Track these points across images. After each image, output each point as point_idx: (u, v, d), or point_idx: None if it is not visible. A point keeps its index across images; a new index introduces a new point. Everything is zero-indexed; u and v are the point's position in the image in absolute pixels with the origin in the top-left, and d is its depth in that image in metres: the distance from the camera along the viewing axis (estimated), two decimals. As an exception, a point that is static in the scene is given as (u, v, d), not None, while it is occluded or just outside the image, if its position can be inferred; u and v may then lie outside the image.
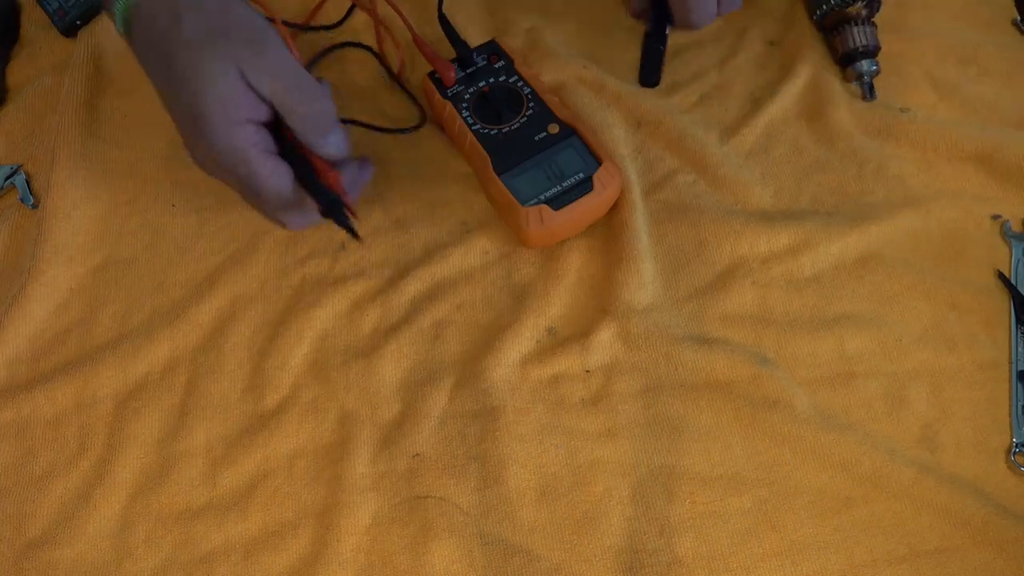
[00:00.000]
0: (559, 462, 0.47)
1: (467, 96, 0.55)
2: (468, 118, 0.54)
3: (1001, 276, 0.51)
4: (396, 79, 0.59)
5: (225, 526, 0.46)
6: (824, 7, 0.57)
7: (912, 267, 0.51)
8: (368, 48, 0.61)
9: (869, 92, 0.57)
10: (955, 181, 0.54)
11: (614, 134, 0.55)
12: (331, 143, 0.47)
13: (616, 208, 0.52)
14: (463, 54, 0.56)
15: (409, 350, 0.50)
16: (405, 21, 0.58)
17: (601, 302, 0.51)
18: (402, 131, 0.56)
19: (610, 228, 0.52)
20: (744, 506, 0.45)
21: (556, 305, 0.51)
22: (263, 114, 0.46)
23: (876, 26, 0.57)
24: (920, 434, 0.46)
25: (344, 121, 0.54)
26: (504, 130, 0.53)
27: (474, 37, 0.59)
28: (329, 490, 0.46)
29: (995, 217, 0.53)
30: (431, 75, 0.56)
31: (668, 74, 0.59)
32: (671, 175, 0.55)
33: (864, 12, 0.57)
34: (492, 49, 0.57)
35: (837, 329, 0.49)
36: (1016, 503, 0.44)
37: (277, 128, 0.47)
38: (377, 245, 0.53)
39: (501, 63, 0.56)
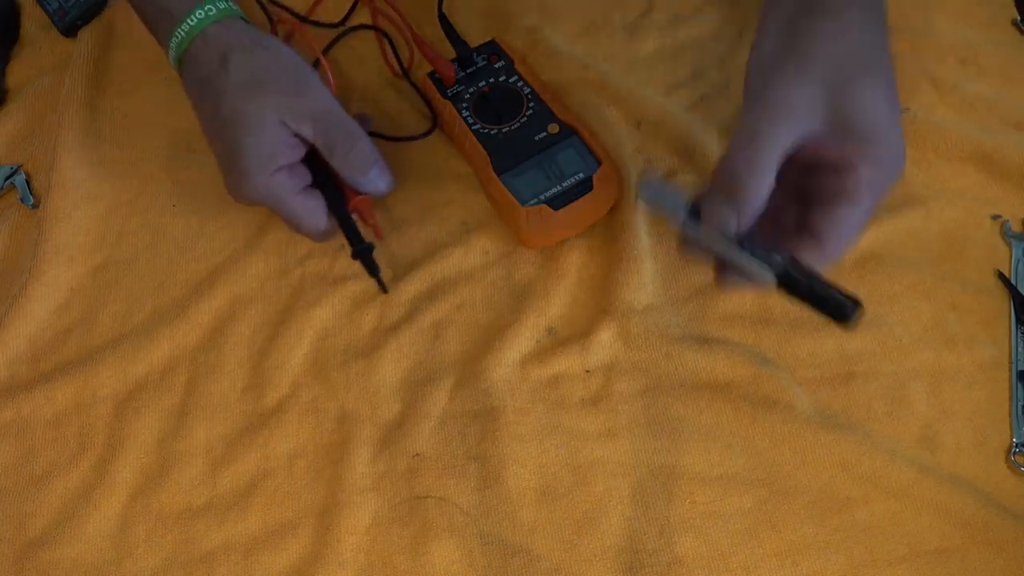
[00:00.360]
0: (559, 462, 0.46)
1: (467, 96, 0.55)
2: (468, 118, 0.54)
3: (1001, 276, 0.51)
4: (406, 74, 0.59)
5: (225, 526, 0.46)
6: (824, 7, 0.57)
7: (912, 267, 0.51)
8: (385, 34, 0.60)
9: (869, 92, 0.57)
10: (955, 181, 0.54)
11: (614, 134, 0.55)
12: (371, 180, 0.50)
13: (616, 208, 0.52)
14: (463, 54, 0.56)
15: (409, 350, 0.50)
16: (405, 21, 0.58)
17: (601, 302, 0.50)
18: (412, 138, 0.56)
19: (610, 228, 0.52)
20: (744, 506, 0.45)
21: (556, 305, 0.51)
22: (300, 153, 0.48)
23: (876, 26, 0.57)
24: (920, 434, 0.46)
25: None
26: (504, 130, 0.53)
27: (474, 37, 0.58)
28: (329, 490, 0.46)
29: (995, 217, 0.53)
30: (431, 75, 0.56)
31: (668, 74, 0.58)
32: (671, 175, 0.55)
33: (864, 12, 0.57)
34: (492, 49, 0.57)
35: (837, 329, 0.49)
36: (1016, 503, 0.44)
37: (312, 154, 0.49)
38: (377, 245, 0.53)
39: (501, 63, 0.56)
